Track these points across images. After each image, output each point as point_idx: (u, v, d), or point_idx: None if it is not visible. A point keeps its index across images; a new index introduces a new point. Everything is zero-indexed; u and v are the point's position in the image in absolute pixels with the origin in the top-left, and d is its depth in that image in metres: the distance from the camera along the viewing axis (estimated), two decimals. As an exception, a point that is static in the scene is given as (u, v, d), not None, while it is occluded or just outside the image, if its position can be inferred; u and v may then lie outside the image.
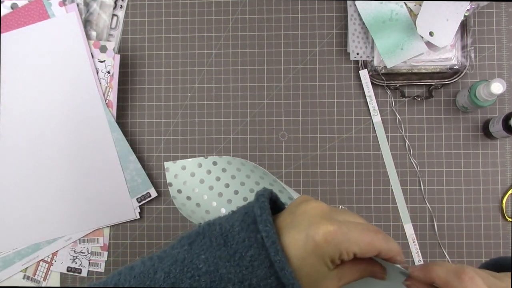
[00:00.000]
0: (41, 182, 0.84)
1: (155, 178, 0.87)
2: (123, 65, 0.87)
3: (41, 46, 0.84)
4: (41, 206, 0.84)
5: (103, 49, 0.85)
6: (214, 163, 0.59)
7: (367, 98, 0.84)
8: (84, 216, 0.85)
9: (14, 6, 0.84)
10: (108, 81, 0.85)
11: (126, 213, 0.85)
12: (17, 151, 0.84)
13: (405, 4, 0.81)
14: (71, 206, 0.84)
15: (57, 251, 0.86)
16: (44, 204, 0.84)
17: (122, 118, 0.88)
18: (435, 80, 0.83)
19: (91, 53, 0.84)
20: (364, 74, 0.84)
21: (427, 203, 0.83)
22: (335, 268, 0.39)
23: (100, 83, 0.84)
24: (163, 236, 0.86)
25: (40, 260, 0.86)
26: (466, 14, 0.80)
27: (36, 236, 0.85)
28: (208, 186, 0.59)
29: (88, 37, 0.85)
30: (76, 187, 0.84)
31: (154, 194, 0.85)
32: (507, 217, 0.82)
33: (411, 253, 0.83)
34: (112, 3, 0.87)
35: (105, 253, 0.86)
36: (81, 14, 0.84)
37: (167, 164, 0.60)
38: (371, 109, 0.84)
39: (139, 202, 0.85)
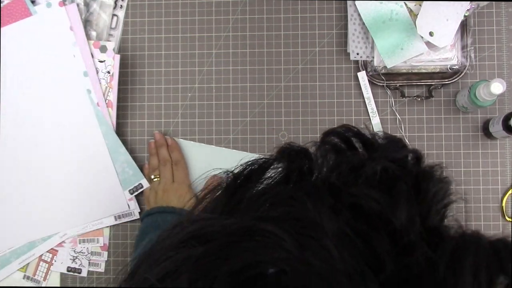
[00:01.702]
0: (32, 180, 0.84)
1: (155, 178, 0.87)
2: (123, 65, 0.87)
3: (28, 42, 0.84)
4: (34, 204, 0.84)
5: (103, 49, 0.85)
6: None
7: (365, 100, 0.84)
8: (78, 211, 0.84)
9: None
10: (108, 81, 0.85)
11: (119, 206, 0.85)
12: (7, 150, 0.84)
13: (405, 4, 0.81)
14: (64, 202, 0.84)
15: (55, 250, 0.86)
16: (37, 201, 0.84)
17: (122, 118, 0.88)
18: (435, 80, 0.83)
19: (91, 53, 0.84)
20: (362, 76, 0.84)
21: (427, 203, 0.83)
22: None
23: (100, 83, 0.84)
24: (163, 236, 0.86)
25: (40, 260, 0.86)
26: (466, 14, 0.80)
27: (31, 234, 0.85)
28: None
29: (88, 37, 0.85)
30: (68, 183, 0.84)
31: (146, 184, 0.85)
32: (507, 217, 0.82)
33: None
34: (112, 3, 0.87)
35: (105, 253, 0.86)
36: (81, 14, 0.84)
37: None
38: (369, 111, 0.84)
39: (131, 193, 0.85)
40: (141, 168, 0.86)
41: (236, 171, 0.31)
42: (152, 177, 0.83)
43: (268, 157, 0.31)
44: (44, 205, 0.84)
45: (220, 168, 0.32)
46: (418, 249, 0.26)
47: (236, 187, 0.30)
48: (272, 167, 0.31)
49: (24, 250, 0.85)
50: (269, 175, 0.31)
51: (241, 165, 0.31)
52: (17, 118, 0.84)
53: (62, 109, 0.84)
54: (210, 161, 0.86)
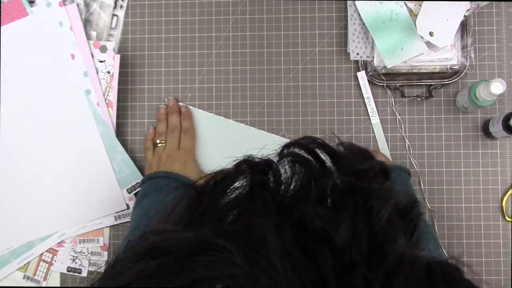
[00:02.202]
0: (29, 180, 0.84)
1: (155, 178, 0.87)
2: (123, 65, 0.87)
3: (28, 42, 0.84)
4: (31, 204, 0.84)
5: (103, 49, 0.85)
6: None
7: (365, 99, 0.84)
8: (76, 211, 0.84)
9: None
10: (108, 81, 0.85)
11: (117, 205, 0.84)
12: (4, 150, 0.84)
13: (405, 4, 0.81)
14: (62, 201, 0.84)
15: (55, 250, 0.86)
16: (35, 201, 0.84)
17: (122, 118, 0.88)
18: (435, 80, 0.83)
19: (91, 53, 0.84)
20: (362, 76, 0.84)
21: (427, 203, 0.83)
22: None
23: (100, 83, 0.84)
24: (163, 236, 0.86)
25: (40, 260, 0.86)
26: (466, 14, 0.80)
27: (29, 234, 0.85)
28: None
29: (88, 37, 0.85)
30: (65, 182, 0.84)
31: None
32: (507, 217, 0.82)
33: (411, 253, 0.83)
34: (112, 3, 0.87)
35: (105, 253, 0.86)
36: (81, 14, 0.84)
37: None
38: (369, 110, 0.84)
39: (129, 192, 0.85)
40: (140, 168, 0.86)
41: (199, 185, 0.32)
42: (158, 141, 0.82)
43: (229, 171, 0.32)
44: (42, 205, 0.84)
45: (238, 157, 0.33)
46: (358, 268, 0.26)
47: (199, 200, 0.31)
48: (238, 180, 0.32)
49: (23, 250, 0.85)
50: (238, 185, 0.32)
51: (206, 175, 0.32)
52: (14, 117, 0.84)
53: (60, 108, 0.84)
54: (220, 134, 0.86)
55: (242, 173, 0.31)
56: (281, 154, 0.32)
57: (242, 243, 0.26)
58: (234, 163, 0.32)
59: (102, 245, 0.86)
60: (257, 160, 0.32)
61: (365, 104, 0.85)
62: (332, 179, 0.29)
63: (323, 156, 0.32)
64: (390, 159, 0.84)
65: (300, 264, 0.25)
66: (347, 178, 0.30)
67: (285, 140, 0.81)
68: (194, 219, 0.31)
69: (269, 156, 0.32)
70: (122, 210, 0.85)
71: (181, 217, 0.32)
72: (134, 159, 0.86)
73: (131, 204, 0.85)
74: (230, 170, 0.32)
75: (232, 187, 0.31)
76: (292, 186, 0.30)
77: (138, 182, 0.85)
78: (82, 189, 0.84)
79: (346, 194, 0.28)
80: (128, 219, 0.85)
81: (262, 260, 0.25)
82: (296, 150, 0.32)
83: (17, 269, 0.86)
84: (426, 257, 0.27)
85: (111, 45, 0.85)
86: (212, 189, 0.32)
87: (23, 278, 0.86)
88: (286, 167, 0.31)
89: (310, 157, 0.31)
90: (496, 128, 0.77)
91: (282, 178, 0.30)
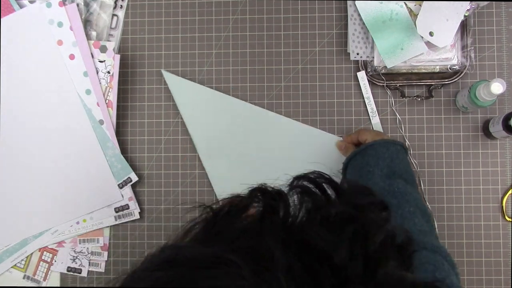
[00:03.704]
0: (22, 176, 0.84)
1: (155, 178, 0.87)
2: (123, 65, 0.87)
3: (28, 42, 0.83)
4: (24, 201, 0.84)
5: (103, 49, 0.85)
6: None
7: (365, 99, 0.84)
8: (68, 206, 0.84)
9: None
10: (108, 81, 0.85)
11: (112, 198, 0.84)
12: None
13: (405, 4, 0.81)
14: (55, 197, 0.84)
15: (55, 250, 0.86)
16: (28, 198, 0.84)
17: (122, 118, 0.88)
18: (435, 80, 0.83)
19: (91, 53, 0.84)
20: (362, 76, 0.84)
21: (427, 203, 0.83)
22: None
23: (100, 83, 0.84)
24: (163, 236, 0.86)
25: (40, 260, 0.86)
26: (466, 14, 0.80)
27: (23, 231, 0.84)
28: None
29: (88, 37, 0.85)
30: (58, 178, 0.84)
31: (135, 178, 0.85)
32: (507, 217, 0.82)
33: (411, 253, 0.83)
34: (112, 3, 0.87)
35: (105, 253, 0.86)
36: (81, 14, 0.84)
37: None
38: (369, 110, 0.84)
39: (120, 187, 0.84)
40: (136, 168, 0.86)
41: (215, 208, 0.36)
42: None
43: (244, 196, 0.36)
44: (35, 201, 0.84)
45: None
46: (351, 284, 0.29)
47: (215, 222, 0.35)
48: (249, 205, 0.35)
49: (16, 248, 0.85)
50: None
51: (221, 200, 0.36)
52: (7, 114, 0.84)
53: (53, 106, 0.84)
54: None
55: (255, 199, 0.35)
56: (291, 185, 0.36)
57: (250, 259, 0.29)
58: (249, 189, 0.36)
59: (102, 245, 0.86)
60: (269, 189, 0.36)
61: (365, 104, 0.85)
62: (335, 209, 0.33)
63: (329, 190, 0.36)
64: (381, 129, 0.84)
65: (302, 279, 0.29)
66: (348, 209, 0.34)
67: (330, 136, 0.83)
68: (209, 238, 0.34)
69: (280, 187, 0.36)
70: (122, 210, 0.85)
71: (197, 236, 0.35)
72: (134, 159, 0.86)
73: (132, 204, 0.85)
74: (245, 195, 0.36)
75: (246, 211, 0.35)
76: (299, 213, 0.34)
77: (129, 177, 0.85)
78: (76, 184, 0.84)
79: (347, 222, 0.32)
80: (128, 219, 0.85)
81: (267, 274, 0.28)
82: (305, 183, 0.36)
83: (16, 269, 0.86)
84: (412, 278, 0.31)
85: (111, 45, 0.85)
86: (227, 212, 0.35)
87: (23, 278, 0.86)
88: (295, 197, 0.35)
89: (317, 190, 0.35)
90: (496, 128, 0.77)
91: (291, 206, 0.34)
